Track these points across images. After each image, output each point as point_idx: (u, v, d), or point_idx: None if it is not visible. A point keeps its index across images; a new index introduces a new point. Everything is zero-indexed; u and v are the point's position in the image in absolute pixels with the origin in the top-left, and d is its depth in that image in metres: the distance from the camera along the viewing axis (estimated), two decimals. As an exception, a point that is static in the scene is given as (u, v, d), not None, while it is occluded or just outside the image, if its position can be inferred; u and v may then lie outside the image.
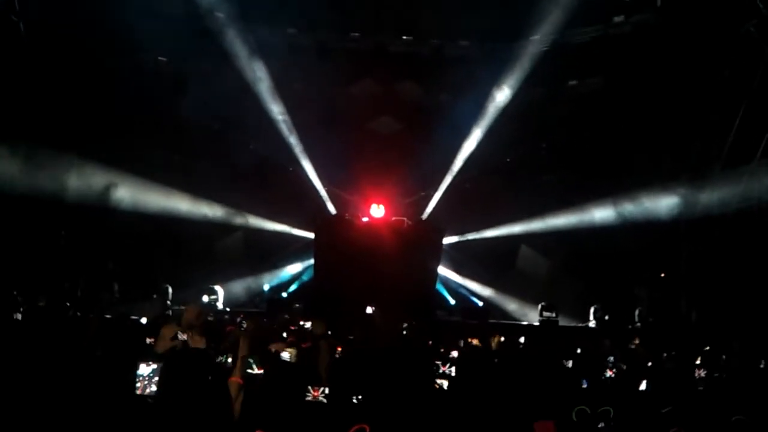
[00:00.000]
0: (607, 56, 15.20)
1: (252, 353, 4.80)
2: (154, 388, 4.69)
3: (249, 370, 5.18)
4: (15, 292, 8.51)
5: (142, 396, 4.72)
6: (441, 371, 6.78)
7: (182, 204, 16.32)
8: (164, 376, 3.80)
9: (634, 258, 16.52)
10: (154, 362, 4.74)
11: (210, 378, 3.64)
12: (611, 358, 8.07)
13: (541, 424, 4.44)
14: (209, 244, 17.71)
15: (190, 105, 14.93)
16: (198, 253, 17.11)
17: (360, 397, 5.14)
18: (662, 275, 16.60)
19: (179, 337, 4.11)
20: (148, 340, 6.68)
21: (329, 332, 8.17)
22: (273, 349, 6.10)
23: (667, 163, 15.87)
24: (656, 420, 4.88)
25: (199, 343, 4.02)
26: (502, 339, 8.12)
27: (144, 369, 4.76)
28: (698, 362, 7.86)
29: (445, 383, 6.36)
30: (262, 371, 5.29)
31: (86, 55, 13.48)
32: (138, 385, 4.75)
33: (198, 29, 13.96)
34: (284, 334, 8.34)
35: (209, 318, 10.47)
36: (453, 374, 6.72)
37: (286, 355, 7.14)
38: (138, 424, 4.04)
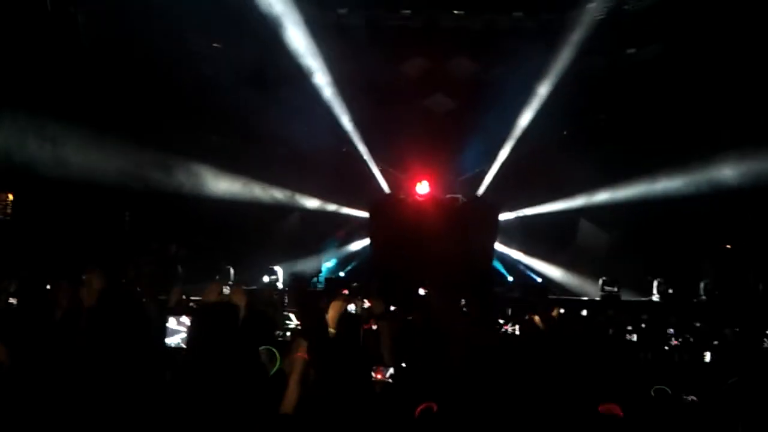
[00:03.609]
0: (666, 23, 14.67)
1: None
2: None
3: None
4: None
5: (172, 348, 4.85)
6: (503, 330, 6.77)
7: (240, 188, 16.64)
8: (192, 329, 3.88)
9: (698, 230, 16.06)
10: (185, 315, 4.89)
11: (238, 333, 3.69)
12: (671, 330, 7.91)
13: (606, 407, 4.31)
14: (268, 226, 17.99)
15: (244, 89, 15.08)
16: (258, 234, 17.42)
17: (423, 375, 5.12)
18: (728, 247, 16.14)
19: (225, 291, 4.23)
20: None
21: (389, 312, 8.17)
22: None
23: (731, 132, 15.33)
24: (722, 391, 4.78)
25: (241, 300, 4.10)
26: (562, 311, 8.02)
27: (173, 322, 4.90)
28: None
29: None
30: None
31: (141, 43, 13.74)
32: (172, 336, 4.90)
33: (249, 12, 14.03)
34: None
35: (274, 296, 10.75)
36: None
37: (351, 307, 7.19)
38: (167, 375, 4.13)
